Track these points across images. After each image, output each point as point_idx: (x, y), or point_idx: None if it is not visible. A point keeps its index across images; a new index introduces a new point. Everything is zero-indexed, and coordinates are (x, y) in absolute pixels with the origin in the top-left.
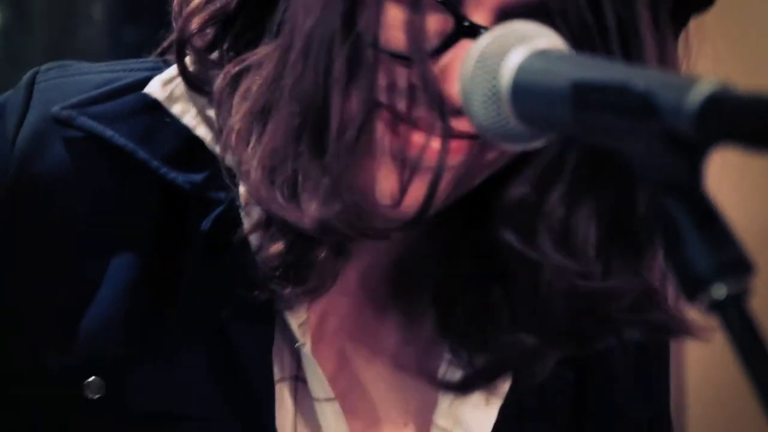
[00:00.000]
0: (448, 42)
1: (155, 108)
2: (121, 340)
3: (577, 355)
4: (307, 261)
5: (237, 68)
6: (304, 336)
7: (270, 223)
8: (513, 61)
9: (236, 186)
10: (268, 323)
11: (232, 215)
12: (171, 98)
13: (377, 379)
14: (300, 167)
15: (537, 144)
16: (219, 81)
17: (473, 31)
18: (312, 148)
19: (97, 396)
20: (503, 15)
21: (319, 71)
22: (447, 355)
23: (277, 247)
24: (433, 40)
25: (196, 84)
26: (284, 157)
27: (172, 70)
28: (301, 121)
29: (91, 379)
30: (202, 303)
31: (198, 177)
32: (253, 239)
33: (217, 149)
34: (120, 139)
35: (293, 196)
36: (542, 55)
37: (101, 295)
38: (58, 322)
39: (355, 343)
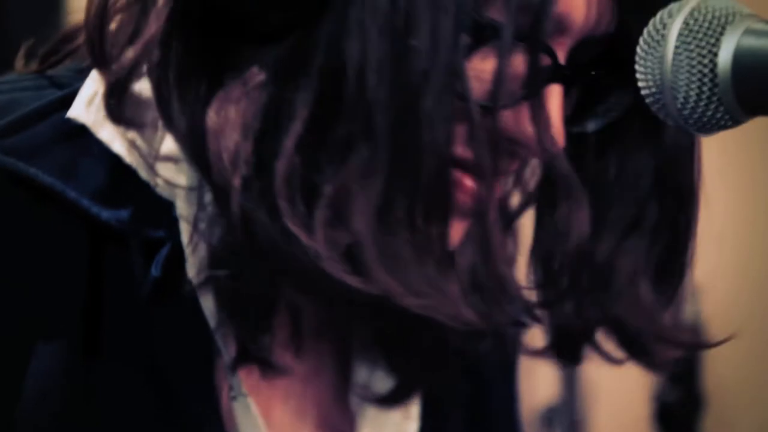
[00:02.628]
0: (536, 86)
1: (77, 135)
2: (59, 416)
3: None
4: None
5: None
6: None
7: (221, 265)
8: (730, 41)
9: (174, 219)
10: (210, 374)
11: (174, 255)
12: (96, 122)
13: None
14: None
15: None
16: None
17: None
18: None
19: None
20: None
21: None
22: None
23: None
24: (514, 86)
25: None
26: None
27: (90, 87)
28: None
29: None
30: (140, 353)
31: (131, 213)
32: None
33: (150, 179)
34: (45, 177)
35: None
36: (757, 33)
37: (33, 378)
38: None
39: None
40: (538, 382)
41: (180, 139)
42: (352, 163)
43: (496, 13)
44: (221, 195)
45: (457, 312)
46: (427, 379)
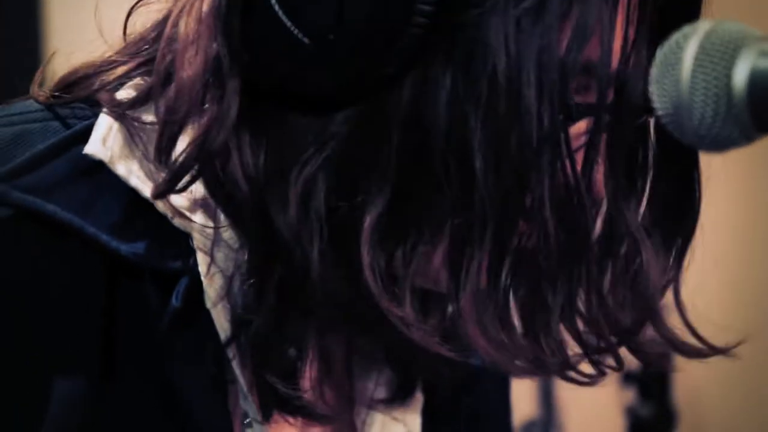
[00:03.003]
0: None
1: (94, 170)
2: None
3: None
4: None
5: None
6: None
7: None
8: (745, 62)
9: (191, 250)
10: (224, 401)
11: (192, 286)
12: (113, 157)
13: None
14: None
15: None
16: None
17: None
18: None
19: None
20: None
21: None
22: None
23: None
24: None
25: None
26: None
27: (105, 122)
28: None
29: None
30: (155, 381)
31: (147, 245)
32: (218, 312)
33: (168, 213)
34: (64, 214)
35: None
36: None
37: (53, 411)
38: None
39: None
40: (516, 399)
41: (239, 216)
42: (445, 240)
43: (582, 92)
44: (269, 262)
45: (559, 371)
46: (429, 371)
